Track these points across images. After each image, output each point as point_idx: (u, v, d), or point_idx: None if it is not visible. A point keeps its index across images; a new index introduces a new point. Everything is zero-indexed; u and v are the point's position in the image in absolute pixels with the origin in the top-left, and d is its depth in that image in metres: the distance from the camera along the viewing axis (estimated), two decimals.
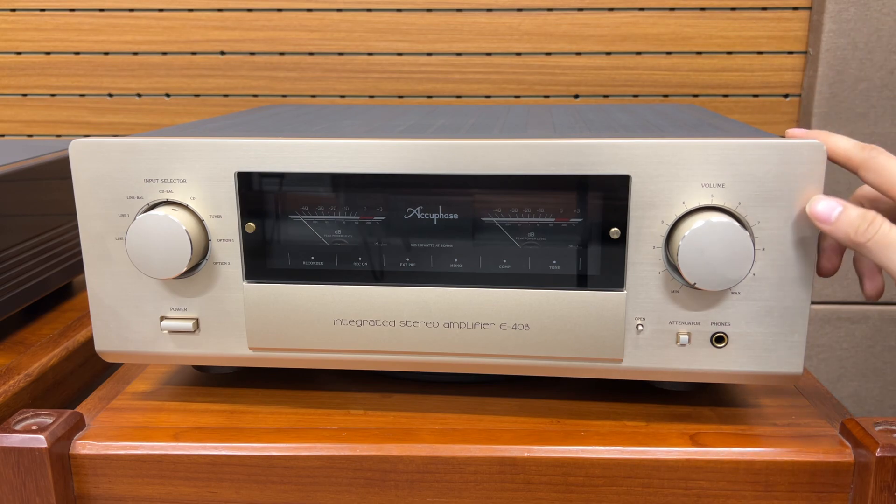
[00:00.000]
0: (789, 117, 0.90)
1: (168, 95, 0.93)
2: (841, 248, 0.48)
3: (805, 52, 0.89)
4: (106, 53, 0.92)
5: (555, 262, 0.47)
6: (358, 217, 0.47)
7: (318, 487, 0.47)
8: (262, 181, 0.47)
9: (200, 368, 0.56)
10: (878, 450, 0.44)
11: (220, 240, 0.48)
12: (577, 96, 0.91)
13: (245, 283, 0.49)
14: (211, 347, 0.50)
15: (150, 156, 0.48)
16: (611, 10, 0.88)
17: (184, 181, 0.48)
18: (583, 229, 0.46)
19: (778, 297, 0.46)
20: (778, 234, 0.45)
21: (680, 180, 0.45)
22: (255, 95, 0.92)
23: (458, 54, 0.90)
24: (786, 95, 0.90)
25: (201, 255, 0.48)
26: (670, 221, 0.45)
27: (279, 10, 0.89)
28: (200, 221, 0.48)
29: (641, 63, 0.89)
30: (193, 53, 0.91)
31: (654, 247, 0.46)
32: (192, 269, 0.48)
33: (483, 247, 0.47)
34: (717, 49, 0.89)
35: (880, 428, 0.46)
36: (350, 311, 0.49)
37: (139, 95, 0.93)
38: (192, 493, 0.48)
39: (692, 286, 0.45)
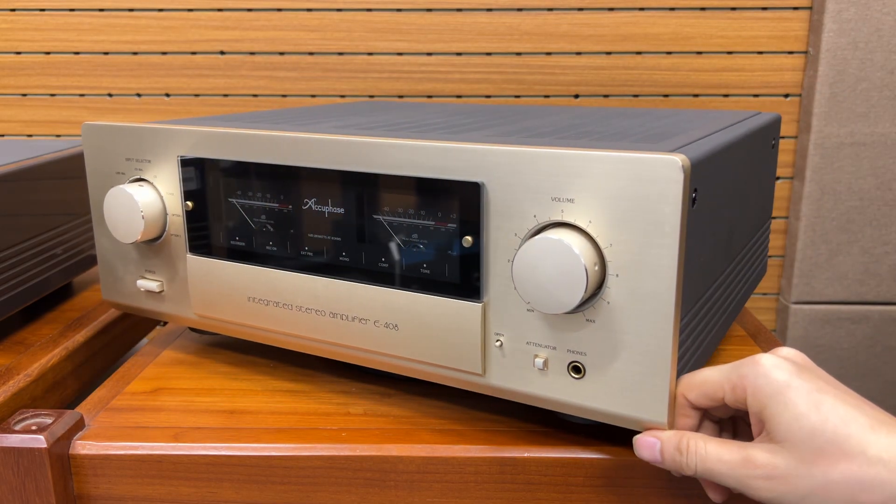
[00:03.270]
0: (790, 117, 0.90)
1: (168, 95, 0.93)
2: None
3: (805, 52, 0.89)
4: (106, 53, 0.92)
5: (425, 265, 0.46)
6: (272, 204, 0.51)
7: (318, 488, 0.47)
8: (197, 166, 0.53)
9: (194, 330, 0.63)
10: None
11: (173, 214, 0.55)
12: (577, 96, 0.91)
13: (189, 255, 0.55)
14: (172, 308, 0.57)
15: (128, 138, 0.55)
16: (611, 10, 0.88)
17: (149, 161, 0.55)
18: (444, 235, 0.45)
19: (636, 331, 0.41)
20: (631, 259, 0.40)
21: (532, 192, 0.42)
22: (255, 95, 0.92)
23: (458, 54, 0.90)
24: (786, 95, 0.90)
25: (161, 226, 0.55)
26: (522, 234, 0.42)
27: (279, 9, 0.89)
28: (161, 197, 0.55)
29: (641, 63, 0.89)
30: (193, 53, 0.91)
31: (508, 260, 0.43)
32: (155, 239, 0.56)
33: (366, 243, 0.48)
34: (717, 49, 0.89)
35: None
36: (260, 291, 0.53)
37: (139, 95, 0.93)
38: (192, 493, 0.48)
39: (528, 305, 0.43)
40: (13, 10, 0.91)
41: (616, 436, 0.46)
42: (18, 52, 0.92)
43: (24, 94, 0.94)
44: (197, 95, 0.92)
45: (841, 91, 0.87)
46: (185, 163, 0.53)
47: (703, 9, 0.88)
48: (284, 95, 0.92)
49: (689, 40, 0.89)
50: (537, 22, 0.89)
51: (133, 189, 0.54)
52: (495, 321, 0.45)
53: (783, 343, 0.64)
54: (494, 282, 0.44)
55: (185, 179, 0.54)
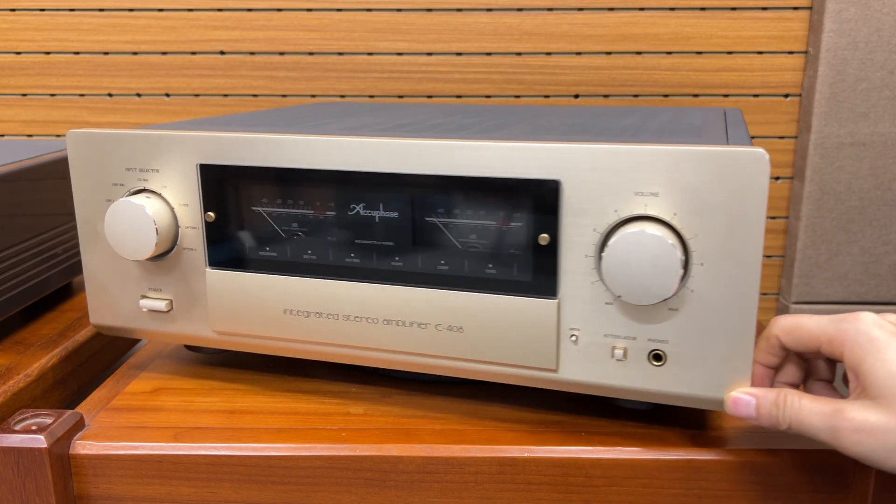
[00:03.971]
0: (789, 117, 0.90)
1: (168, 95, 0.93)
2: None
3: (805, 52, 0.89)
4: (106, 53, 0.92)
5: (490, 265, 0.46)
6: (308, 211, 0.49)
7: (318, 487, 0.47)
8: (222, 173, 0.50)
9: (191, 348, 0.59)
10: None
11: (187, 227, 0.52)
12: (577, 96, 0.91)
13: (208, 269, 0.52)
14: (182, 327, 0.54)
15: (129, 147, 0.52)
16: (611, 10, 0.88)
17: (157, 171, 0.51)
18: (515, 234, 0.45)
19: (719, 317, 0.43)
20: (717, 248, 0.42)
21: (612, 188, 0.43)
22: (255, 95, 0.92)
23: (458, 54, 0.90)
24: (786, 95, 0.90)
25: (172, 240, 0.52)
26: (602, 230, 0.43)
27: (279, 9, 0.89)
28: (171, 209, 0.51)
29: (641, 63, 0.89)
30: (193, 53, 0.91)
31: (586, 255, 0.44)
32: (164, 253, 0.52)
33: (422, 246, 0.47)
34: (717, 49, 0.89)
35: None
36: (298, 302, 0.50)
37: (139, 95, 0.93)
38: (192, 493, 0.48)
39: (618, 298, 0.43)
40: (13, 10, 0.91)
41: (665, 417, 0.49)
42: (18, 52, 0.92)
43: (24, 94, 0.94)
44: (197, 95, 0.92)
45: (841, 91, 0.86)
46: (207, 171, 0.50)
47: (703, 9, 0.88)
48: (284, 95, 0.92)
49: (689, 40, 0.89)
50: (537, 22, 0.89)
51: (142, 201, 0.50)
52: (569, 316, 0.45)
53: None
54: (569, 278, 0.45)
55: (205, 189, 0.50)
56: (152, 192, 0.51)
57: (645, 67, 0.90)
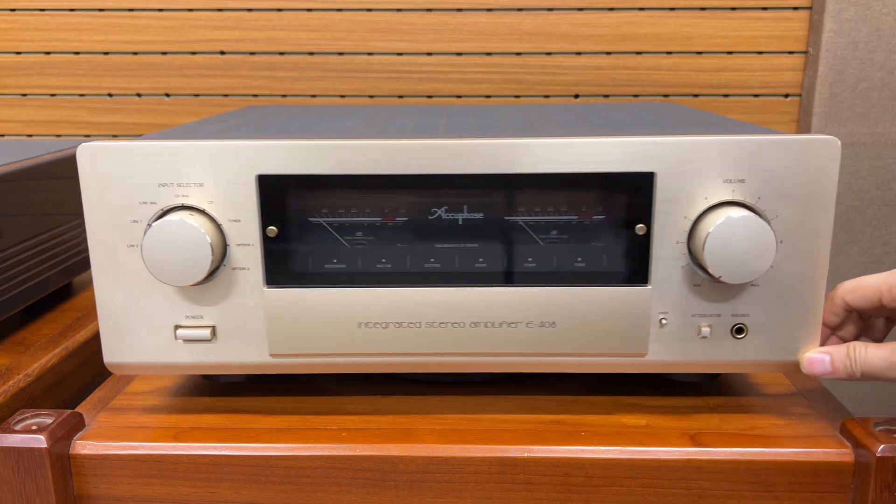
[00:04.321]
0: (789, 117, 0.90)
1: (168, 95, 0.93)
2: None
3: (805, 52, 0.89)
4: (106, 53, 0.92)
5: (580, 259, 0.47)
6: (383, 219, 0.47)
7: (318, 487, 0.47)
8: (285, 184, 0.46)
9: (208, 377, 0.55)
10: (879, 450, 0.44)
11: (238, 244, 0.47)
12: (577, 96, 0.91)
13: (266, 289, 0.48)
14: (228, 355, 0.49)
15: (165, 159, 0.46)
16: (611, 10, 0.88)
17: (201, 185, 0.46)
18: (609, 226, 0.47)
19: (795, 288, 0.48)
20: (794, 228, 0.47)
21: (702, 176, 0.46)
22: (255, 95, 0.92)
23: (458, 54, 0.90)
24: (786, 95, 0.90)
25: (220, 260, 0.47)
26: (693, 216, 0.46)
27: (279, 10, 0.89)
28: (218, 226, 0.47)
29: (641, 63, 0.89)
30: (193, 53, 0.91)
31: (677, 242, 0.47)
32: (209, 276, 0.47)
33: (508, 245, 0.47)
34: (717, 49, 0.89)
35: (880, 428, 0.46)
36: (375, 314, 0.48)
37: (139, 95, 0.93)
38: (192, 493, 0.48)
39: (717, 279, 0.46)
40: (13, 10, 0.91)
41: (715, 388, 0.53)
42: (18, 52, 0.92)
43: (24, 94, 0.94)
44: (197, 95, 0.92)
45: (841, 91, 0.86)
46: (267, 182, 0.46)
47: (703, 9, 0.88)
48: (284, 95, 0.92)
49: (689, 40, 0.89)
50: (537, 22, 0.89)
51: (191, 219, 0.45)
52: (659, 301, 0.48)
53: None
54: (660, 264, 0.47)
55: (265, 202, 0.47)
56: (194, 208, 0.46)
57: (645, 67, 0.90)
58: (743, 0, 0.87)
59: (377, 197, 0.47)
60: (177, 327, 0.48)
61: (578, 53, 0.89)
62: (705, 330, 0.48)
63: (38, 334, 0.64)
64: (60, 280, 0.68)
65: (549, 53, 0.90)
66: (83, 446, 0.47)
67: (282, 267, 0.48)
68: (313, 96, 0.92)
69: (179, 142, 0.46)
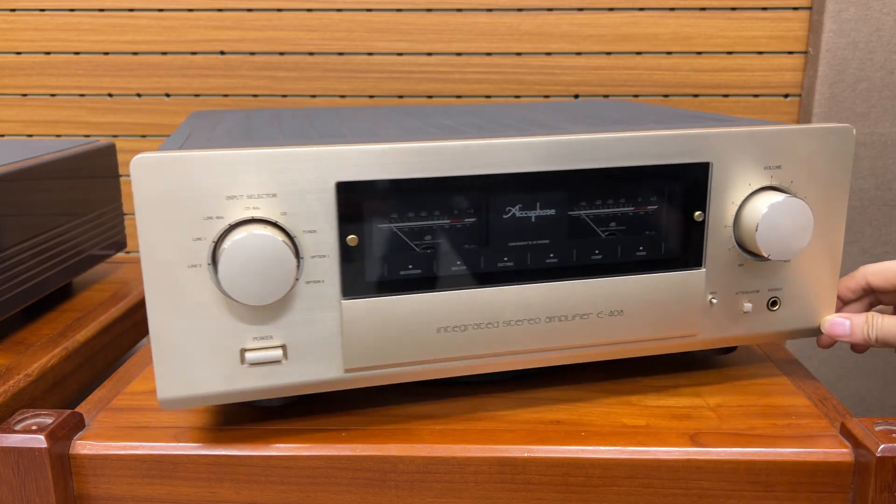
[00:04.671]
0: (789, 117, 0.90)
1: (168, 95, 0.93)
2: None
3: (805, 52, 0.89)
4: (106, 53, 0.92)
5: (641, 248, 0.50)
6: (458, 220, 0.47)
7: (318, 487, 0.47)
8: (365, 190, 0.45)
9: (258, 403, 0.50)
10: (879, 450, 0.44)
11: (313, 256, 0.45)
12: (577, 96, 0.91)
13: (343, 301, 0.46)
14: (299, 375, 0.46)
15: (234, 169, 0.42)
16: (611, 10, 0.88)
17: (273, 195, 0.43)
18: (671, 215, 0.50)
19: (817, 262, 0.53)
20: (819, 207, 0.52)
21: (747, 164, 0.50)
22: (255, 95, 0.92)
23: (458, 54, 0.90)
24: (786, 95, 0.90)
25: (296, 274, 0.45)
26: (738, 201, 0.50)
27: (279, 10, 0.89)
28: (292, 239, 0.44)
29: (641, 63, 0.89)
30: (193, 53, 0.91)
31: (725, 226, 0.51)
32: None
33: (577, 240, 0.49)
34: (717, 49, 0.89)
35: (880, 428, 0.46)
36: (455, 318, 0.47)
37: (139, 95, 0.93)
38: (192, 493, 0.48)
39: (766, 258, 0.50)
40: (13, 10, 0.91)
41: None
42: (18, 52, 0.92)
43: (24, 94, 0.94)
44: (197, 95, 0.92)
45: (841, 91, 0.87)
46: (347, 189, 0.44)
47: (703, 9, 0.88)
48: (284, 95, 0.92)
49: (689, 40, 0.89)
50: (537, 22, 0.89)
51: (271, 233, 0.42)
52: (710, 282, 0.51)
53: (783, 344, 0.64)
54: (712, 248, 0.51)
55: (344, 210, 0.44)
56: (266, 221, 0.43)
57: (645, 67, 0.90)
58: (743, 0, 0.87)
59: (454, 198, 0.46)
60: (244, 351, 0.45)
61: (578, 53, 0.89)
62: (747, 306, 0.52)
63: (38, 334, 0.64)
64: (60, 280, 0.68)
65: (549, 53, 0.90)
66: (83, 446, 0.47)
67: (359, 277, 0.46)
68: (313, 96, 0.92)
69: (250, 150, 0.43)
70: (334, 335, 0.46)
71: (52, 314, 0.69)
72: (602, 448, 0.47)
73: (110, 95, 0.93)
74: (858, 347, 0.56)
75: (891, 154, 0.88)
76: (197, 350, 0.44)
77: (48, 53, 0.92)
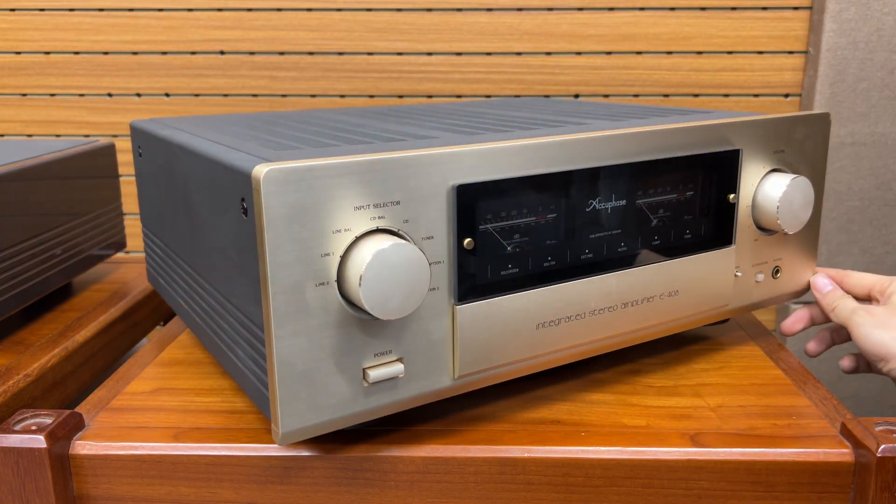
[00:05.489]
0: None
1: (168, 95, 0.93)
2: (829, 340, 0.65)
3: (805, 52, 0.89)
4: (106, 53, 0.92)
5: (693, 230, 0.54)
6: (553, 216, 0.47)
7: (318, 487, 0.47)
8: (481, 192, 0.43)
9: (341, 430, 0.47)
10: (879, 450, 0.44)
11: (431, 263, 0.43)
12: (577, 96, 0.91)
13: (457, 306, 0.44)
14: (416, 388, 0.44)
15: (364, 177, 0.40)
16: (611, 9, 0.88)
17: (397, 203, 0.41)
18: (712, 198, 0.54)
19: (806, 233, 0.60)
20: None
21: (762, 149, 0.56)
22: (255, 95, 0.92)
23: (458, 54, 0.90)
24: (786, 95, 0.90)
25: None
26: (755, 183, 0.56)
27: (279, 9, 0.89)
28: (415, 246, 0.41)
29: (641, 63, 0.89)
30: (193, 53, 0.91)
31: (746, 206, 0.56)
32: None
33: (639, 227, 0.51)
34: (717, 49, 0.89)
35: (880, 428, 0.46)
36: (551, 313, 0.48)
37: (139, 95, 0.93)
38: (192, 493, 0.48)
39: (774, 232, 0.57)
40: (13, 10, 0.91)
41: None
42: (18, 52, 0.92)
43: (24, 94, 0.94)
44: (197, 95, 0.92)
45: (841, 91, 0.86)
46: (465, 191, 0.43)
47: (703, 9, 0.88)
48: (284, 95, 0.92)
49: (689, 40, 0.89)
50: (537, 22, 0.88)
51: (402, 243, 0.40)
52: (737, 258, 0.57)
53: (783, 343, 0.65)
54: (738, 226, 0.56)
55: (462, 213, 0.43)
56: (390, 231, 0.41)
57: (645, 67, 0.90)
58: (743, 0, 0.87)
59: (561, 193, 0.47)
60: (366, 369, 0.42)
61: (578, 53, 0.89)
62: (760, 276, 0.58)
63: (37, 334, 0.64)
64: (60, 280, 0.68)
65: (549, 53, 0.90)
66: (83, 446, 0.47)
67: (472, 280, 0.45)
68: (313, 96, 0.92)
69: (378, 155, 0.41)
70: (444, 342, 0.45)
71: (51, 314, 0.69)
72: (602, 448, 0.47)
73: (110, 95, 0.93)
74: (822, 330, 0.64)
75: (891, 154, 0.88)
76: (321, 374, 0.41)
77: (48, 53, 0.92)
